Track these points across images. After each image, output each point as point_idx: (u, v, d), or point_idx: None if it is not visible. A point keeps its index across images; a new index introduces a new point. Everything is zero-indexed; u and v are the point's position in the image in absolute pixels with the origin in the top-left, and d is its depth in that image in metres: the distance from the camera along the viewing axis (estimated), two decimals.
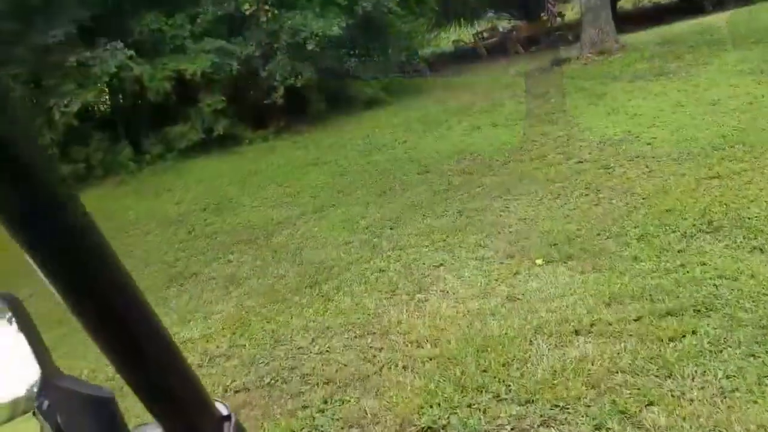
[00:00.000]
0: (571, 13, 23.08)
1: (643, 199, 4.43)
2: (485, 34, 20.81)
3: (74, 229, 0.34)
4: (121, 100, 10.06)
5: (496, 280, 3.66)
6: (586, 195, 4.77)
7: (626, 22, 18.25)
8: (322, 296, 3.94)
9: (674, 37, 10.54)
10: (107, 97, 9.80)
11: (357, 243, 4.88)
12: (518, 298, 3.35)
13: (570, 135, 6.56)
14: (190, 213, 7.05)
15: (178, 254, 5.61)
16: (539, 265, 3.74)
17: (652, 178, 4.80)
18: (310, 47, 10.05)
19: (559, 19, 19.02)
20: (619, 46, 10.30)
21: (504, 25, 21.83)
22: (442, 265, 4.09)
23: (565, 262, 3.71)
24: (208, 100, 10.27)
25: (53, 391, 0.44)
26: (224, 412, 0.50)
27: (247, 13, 10.41)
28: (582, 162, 5.59)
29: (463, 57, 19.35)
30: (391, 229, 5.09)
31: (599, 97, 7.85)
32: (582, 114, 7.28)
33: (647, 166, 5.07)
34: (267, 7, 10.57)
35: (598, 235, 4.00)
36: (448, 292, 3.65)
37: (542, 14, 22.13)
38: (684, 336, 2.62)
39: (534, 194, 5.07)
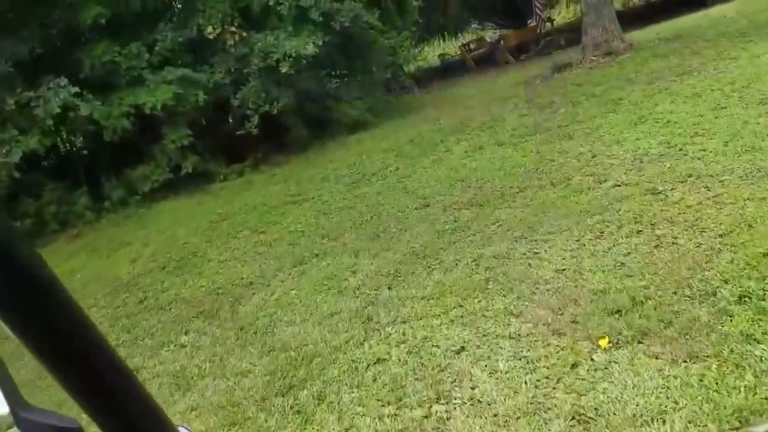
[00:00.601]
0: (559, 18, 22.32)
1: (720, 236, 3.32)
2: (472, 46, 19.94)
3: (24, 267, 0.34)
4: (75, 143, 8.94)
5: (547, 378, 2.53)
6: (639, 232, 3.66)
7: (621, 21, 17.48)
8: (298, 412, 2.78)
9: (682, 32, 9.59)
10: (59, 140, 8.69)
11: (345, 314, 3.74)
12: (589, 418, 2.21)
13: (594, 151, 5.48)
14: (146, 274, 5.88)
15: (121, 336, 4.43)
16: (605, 350, 2.61)
17: (721, 205, 3.70)
18: (284, 69, 8.99)
19: (548, 25, 18.14)
20: (626, 45, 9.32)
21: (490, 35, 20.97)
22: (463, 349, 2.95)
23: (641, 342, 2.58)
24: (173, 136, 9.16)
25: (22, 425, 0.42)
26: None
27: (212, 37, 9.37)
28: (620, 185, 4.49)
29: (451, 70, 18.41)
30: (389, 288, 3.95)
31: (617, 104, 6.80)
32: (602, 124, 6.22)
33: (708, 189, 3.97)
34: (233, 29, 9.53)
35: (675, 294, 2.88)
36: (479, 401, 2.50)
37: (529, 21, 21.33)
38: None
39: (568, 232, 3.96)
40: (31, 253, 0.34)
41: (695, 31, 9.21)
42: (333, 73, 12.27)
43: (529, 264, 3.68)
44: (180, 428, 0.49)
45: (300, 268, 4.90)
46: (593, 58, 9.27)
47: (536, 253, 3.82)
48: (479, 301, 3.40)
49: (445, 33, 28.21)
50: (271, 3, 9.43)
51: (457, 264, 4.02)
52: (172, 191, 9.66)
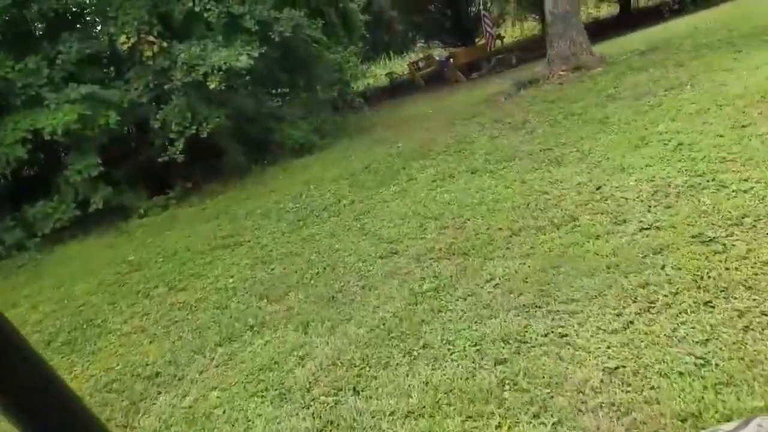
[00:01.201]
0: (507, 36, 21.89)
1: None
2: (420, 64, 19.13)
3: None
4: None
5: None
6: (708, 304, 2.58)
7: None
8: None
9: (654, 44, 8.93)
10: None
11: None
12: None
13: (596, 180, 4.46)
14: None
15: None
16: None
17: None
18: (212, 85, 7.66)
19: (498, 42, 17.55)
20: (596, 58, 8.55)
21: (439, 52, 20.26)
22: None
23: None
24: (79, 165, 7.63)
25: None
26: None
27: (126, 48, 7.94)
28: (650, 229, 3.45)
29: (400, 89, 17.51)
30: (354, 393, 2.73)
31: (604, 123, 5.88)
32: (594, 147, 5.24)
33: None
34: (152, 39, 8.14)
35: None
36: None
37: (478, 38, 20.79)
38: None
39: (600, 301, 2.85)
40: None
41: (669, 43, 8.56)
42: (273, 90, 11.01)
43: (559, 356, 2.53)
44: None
45: (227, 348, 3.59)
46: (561, 72, 8.45)
47: (563, 335, 2.68)
48: (497, 424, 2.22)
49: (391, 51, 27.50)
50: (197, 9, 8.11)
51: (450, 350, 2.83)
52: (80, 230, 8.09)
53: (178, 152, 8.17)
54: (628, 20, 18.60)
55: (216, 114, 8.31)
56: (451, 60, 17.69)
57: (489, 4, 17.56)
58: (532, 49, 17.60)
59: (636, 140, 5.04)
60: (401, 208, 5.34)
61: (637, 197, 3.95)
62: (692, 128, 4.86)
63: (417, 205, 5.25)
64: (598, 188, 4.31)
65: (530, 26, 23.39)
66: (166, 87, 8.17)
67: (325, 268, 4.46)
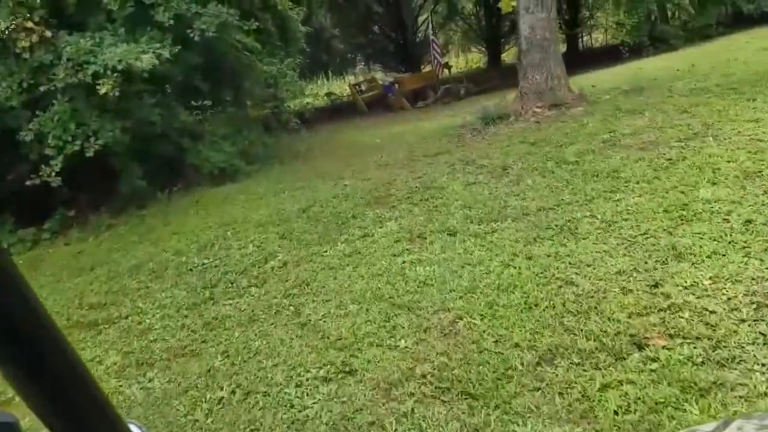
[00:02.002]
0: (454, 67, 21.02)
1: None
2: (363, 87, 17.75)
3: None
4: None
5: None
6: None
7: None
8: None
9: (636, 83, 7.95)
10: None
11: None
12: None
13: (645, 270, 3.09)
14: None
15: None
16: None
17: None
18: (103, 90, 5.80)
19: (446, 71, 16.51)
20: (575, 96, 7.42)
21: (382, 76, 19.01)
22: None
23: None
24: None
25: None
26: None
27: None
28: None
29: (341, 112, 16.03)
30: None
31: (614, 179, 4.60)
32: (617, 213, 3.92)
33: None
34: (31, 25, 6.20)
35: None
36: None
37: (423, 66, 19.77)
38: None
39: None
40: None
41: (654, 84, 7.59)
42: (192, 102, 9.18)
43: None
44: (130, 424, 0.50)
45: None
46: (537, 109, 7.26)
47: None
48: None
49: (330, 71, 26.10)
50: None
51: None
52: None
53: (52, 173, 6.19)
54: (577, 59, 18.17)
55: (110, 127, 6.42)
56: (397, 85, 16.44)
57: (437, 31, 16.56)
58: (480, 81, 16.71)
59: (676, 209, 3.75)
60: (355, 282, 3.75)
61: (731, 310, 2.58)
62: (749, 197, 3.63)
63: (378, 281, 3.69)
64: (655, 285, 2.93)
65: (475, 58, 22.72)
66: (44, 88, 6.21)
67: (233, 392, 2.79)
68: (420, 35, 19.60)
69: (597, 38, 19.82)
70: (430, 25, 16.15)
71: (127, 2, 6.35)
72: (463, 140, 7.24)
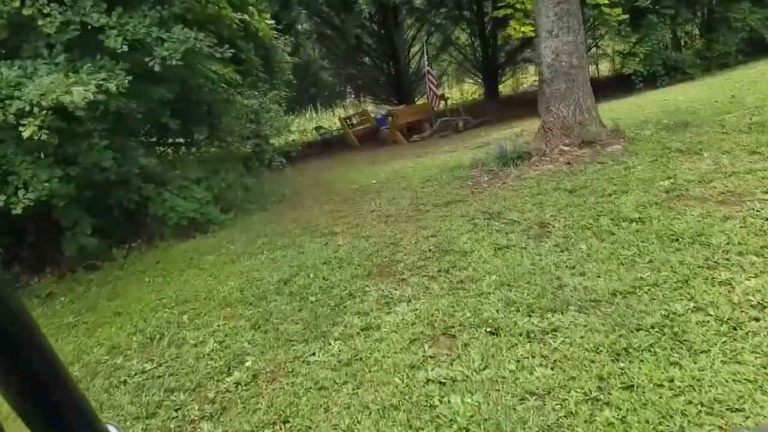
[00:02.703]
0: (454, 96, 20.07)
1: None
2: (354, 120, 16.67)
3: None
4: None
5: None
6: None
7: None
8: None
9: (673, 116, 6.86)
10: None
11: None
12: None
13: None
14: None
15: None
16: None
17: None
18: (27, 132, 4.55)
19: (443, 103, 15.50)
20: (611, 132, 6.29)
21: (374, 109, 17.98)
22: None
23: None
24: None
25: None
26: None
27: None
28: None
29: (331, 147, 14.89)
30: None
31: (703, 245, 3.41)
32: (737, 302, 2.72)
33: None
34: None
35: None
36: None
37: (417, 97, 18.80)
38: None
39: None
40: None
41: (699, 118, 6.50)
42: (161, 141, 7.98)
43: None
44: (109, 426, 0.48)
45: None
46: (564, 147, 6.14)
47: None
48: None
49: (318, 103, 25.13)
50: (26, 12, 5.08)
51: None
52: None
53: None
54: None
55: (46, 175, 5.16)
56: (390, 118, 15.37)
57: (431, 61, 15.63)
58: (477, 113, 15.70)
59: None
60: (355, 414, 2.48)
61: None
62: None
63: (392, 419, 2.42)
64: None
65: (470, 89, 21.84)
66: None
67: None
68: (413, 66, 18.70)
69: (604, 67, 18.99)
70: (425, 56, 15.19)
71: (68, 25, 5.17)
72: (478, 184, 6.05)
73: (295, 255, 4.94)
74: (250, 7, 8.36)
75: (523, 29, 8.68)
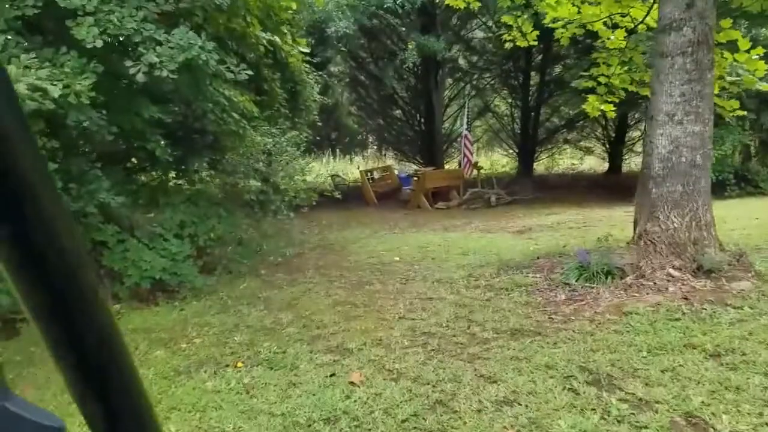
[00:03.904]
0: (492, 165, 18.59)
1: None
2: (375, 175, 15.15)
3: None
4: None
5: None
6: None
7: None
8: None
9: None
10: None
11: None
12: None
13: None
14: None
15: None
16: None
17: None
18: None
19: (475, 172, 14.01)
20: (734, 257, 4.63)
21: (398, 166, 16.53)
22: None
23: None
24: None
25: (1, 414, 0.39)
26: None
27: None
28: None
29: (347, 200, 13.26)
30: None
31: None
32: None
33: None
34: None
35: None
36: None
37: (445, 161, 17.37)
38: None
39: None
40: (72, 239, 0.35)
41: None
42: (138, 169, 6.38)
43: None
44: None
45: None
46: (674, 272, 4.48)
47: None
48: None
49: (337, 149, 23.82)
50: None
51: None
52: None
53: None
54: (624, 183, 15.82)
55: None
56: (415, 179, 13.84)
57: (471, 124, 14.27)
58: (511, 189, 14.15)
59: None
60: None
61: None
62: None
63: None
64: None
65: (501, 161, 20.44)
66: None
67: None
68: (445, 127, 17.36)
69: None
70: (465, 117, 13.81)
71: (21, 6, 3.63)
72: (554, 305, 4.32)
73: (283, 389, 3.18)
74: (284, 29, 6.89)
75: (603, 107, 7.15)
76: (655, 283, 4.44)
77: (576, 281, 4.73)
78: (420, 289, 5.21)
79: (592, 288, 4.54)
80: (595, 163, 19.02)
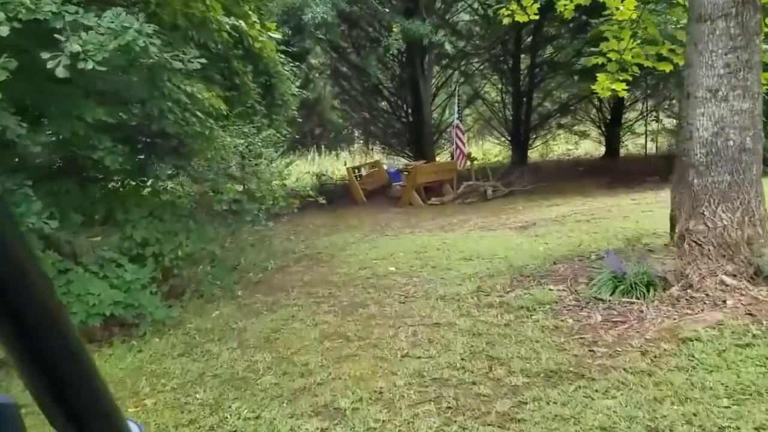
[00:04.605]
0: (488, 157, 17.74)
1: None
2: (363, 171, 14.29)
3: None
4: None
5: None
6: None
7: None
8: None
9: None
10: None
11: None
12: None
13: None
14: None
15: None
16: None
17: None
18: None
19: (468, 164, 13.20)
20: None
21: (386, 160, 15.66)
22: None
23: None
24: None
25: None
26: (135, 431, 0.47)
27: None
28: None
29: (333, 200, 12.39)
30: None
31: None
32: None
33: None
34: None
35: None
36: None
37: (436, 153, 16.54)
38: None
39: None
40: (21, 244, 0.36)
41: None
42: (83, 181, 5.49)
43: None
44: (129, 422, 0.47)
45: None
46: (727, 279, 3.70)
47: None
48: None
49: (322, 146, 22.88)
50: None
51: None
52: None
53: None
54: (623, 167, 15.12)
55: None
56: (406, 174, 12.99)
57: (462, 113, 13.42)
58: (506, 180, 13.33)
59: None
60: None
61: None
62: None
63: None
64: None
65: (493, 150, 19.64)
66: None
67: None
68: (434, 117, 16.51)
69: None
70: (456, 106, 12.97)
71: None
72: (592, 331, 3.53)
73: None
74: (250, 11, 6.00)
75: (614, 86, 6.37)
76: (708, 295, 3.67)
77: (611, 296, 3.94)
78: (423, 310, 4.40)
79: (633, 304, 3.76)
80: (591, 147, 18.29)
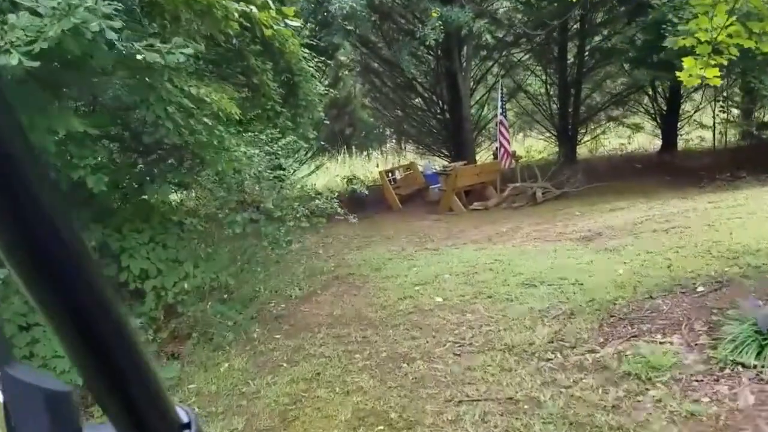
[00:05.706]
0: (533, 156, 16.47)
1: None
2: (397, 175, 13.20)
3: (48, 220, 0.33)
4: None
5: None
6: None
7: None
8: None
9: None
10: None
11: None
12: None
13: None
14: None
15: None
16: None
17: None
18: None
19: (513, 164, 11.98)
20: None
21: (423, 162, 14.53)
22: None
23: None
24: None
25: (2, 380, 0.38)
26: (185, 419, 0.47)
27: None
28: None
29: (364, 206, 11.33)
30: None
31: None
32: None
33: None
34: None
35: None
36: None
37: (476, 153, 15.31)
38: None
39: None
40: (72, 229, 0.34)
41: None
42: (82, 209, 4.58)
43: None
44: (179, 408, 0.47)
45: None
46: None
47: None
48: None
49: (353, 146, 21.90)
50: None
51: None
52: None
53: None
54: (684, 163, 13.68)
55: None
56: (444, 176, 11.84)
57: (505, 108, 12.16)
58: (556, 180, 12.04)
59: None
60: None
61: None
62: None
63: None
64: None
65: (537, 146, 18.30)
66: None
67: None
68: (472, 114, 15.30)
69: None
70: (500, 101, 11.75)
71: None
72: (737, 415, 2.40)
73: None
74: None
75: (704, 73, 5.13)
76: None
77: (757, 360, 2.78)
78: (488, 371, 3.31)
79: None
80: (644, 140, 16.77)
